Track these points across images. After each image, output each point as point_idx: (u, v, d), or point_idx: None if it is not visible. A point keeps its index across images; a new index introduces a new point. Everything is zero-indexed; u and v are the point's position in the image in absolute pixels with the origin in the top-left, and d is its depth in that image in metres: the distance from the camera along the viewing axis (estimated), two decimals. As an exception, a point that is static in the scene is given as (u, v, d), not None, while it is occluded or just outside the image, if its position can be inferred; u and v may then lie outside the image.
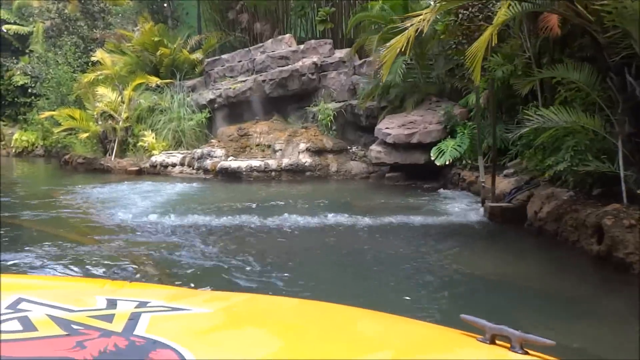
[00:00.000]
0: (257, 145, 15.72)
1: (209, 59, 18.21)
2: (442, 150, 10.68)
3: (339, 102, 16.06)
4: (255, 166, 14.38)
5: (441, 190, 11.44)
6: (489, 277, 5.68)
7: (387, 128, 12.83)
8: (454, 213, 8.84)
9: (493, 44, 8.02)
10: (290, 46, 17.17)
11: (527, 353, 1.21)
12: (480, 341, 1.27)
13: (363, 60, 16.67)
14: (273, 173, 14.39)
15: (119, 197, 11.51)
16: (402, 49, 7.54)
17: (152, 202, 10.60)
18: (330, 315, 1.53)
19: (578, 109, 6.57)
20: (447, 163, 10.55)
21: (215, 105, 16.86)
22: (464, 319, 1.33)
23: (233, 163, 14.52)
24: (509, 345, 1.23)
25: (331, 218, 8.53)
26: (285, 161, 14.47)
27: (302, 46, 16.98)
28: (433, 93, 13.79)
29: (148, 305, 1.34)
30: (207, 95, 17.12)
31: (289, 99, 16.38)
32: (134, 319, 1.19)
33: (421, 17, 6.91)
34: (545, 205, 6.95)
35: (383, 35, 13.21)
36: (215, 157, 15.13)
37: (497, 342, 1.26)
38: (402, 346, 1.31)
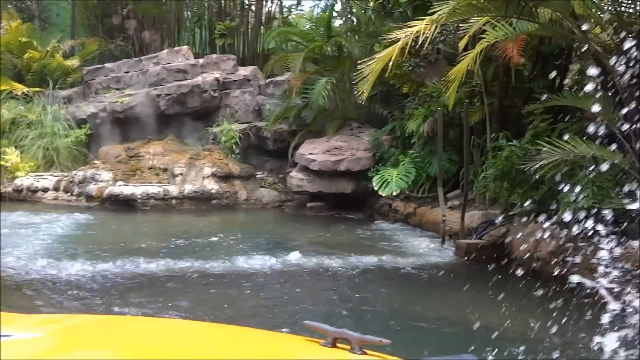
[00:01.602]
0: (150, 168, 13.71)
1: (89, 67, 15.81)
2: (386, 179, 9.75)
3: (243, 123, 14.65)
4: (152, 193, 12.42)
5: (376, 223, 10.50)
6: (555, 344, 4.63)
7: (310, 154, 11.68)
8: (418, 251, 7.88)
9: (472, 67, 7.29)
10: (188, 59, 15.45)
11: (365, 353, 1.25)
12: (323, 345, 1.31)
13: (270, 79, 15.44)
14: (174, 201, 12.54)
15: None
16: (388, 65, 6.50)
17: (37, 240, 8.38)
18: (172, 331, 1.51)
19: (578, 141, 5.93)
20: (393, 194, 9.63)
21: (98, 121, 14.54)
22: (306, 325, 1.37)
23: (125, 189, 12.42)
24: (349, 347, 1.27)
25: (286, 259, 7.14)
26: (189, 187, 12.69)
27: (202, 60, 15.38)
28: (353, 118, 12.93)
29: None
30: (88, 108, 14.75)
31: (186, 118, 14.61)
32: None
33: (417, 28, 5.90)
34: (542, 243, 6.20)
35: (308, 54, 12.16)
36: (101, 181, 12.88)
37: (338, 345, 1.30)
38: (246, 356, 1.32)
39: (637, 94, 5.65)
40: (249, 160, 14.43)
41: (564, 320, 4.81)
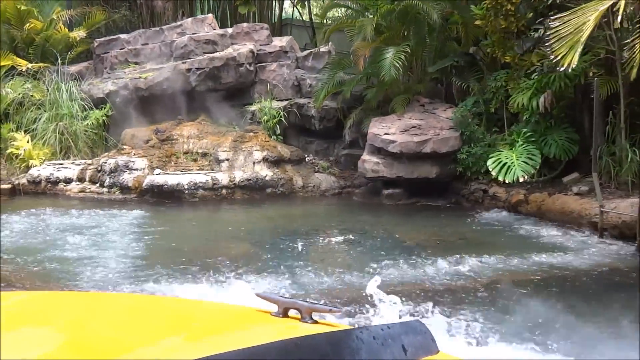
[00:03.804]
0: (186, 153, 12.08)
1: (100, 39, 13.87)
2: (505, 163, 8.52)
3: (281, 100, 13.12)
4: (201, 182, 10.84)
5: (477, 212, 9.30)
6: None
7: (386, 134, 10.33)
8: (588, 249, 6.71)
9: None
10: (215, 29, 13.72)
11: (316, 322, 1.27)
12: (274, 315, 1.31)
13: (308, 51, 13.94)
14: (224, 190, 11.00)
15: (50, 237, 7.45)
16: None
17: (121, 248, 6.82)
18: (120, 306, 1.47)
19: None
20: (520, 180, 8.41)
21: (118, 100, 12.71)
22: (257, 295, 1.37)
23: (170, 178, 10.80)
24: (300, 317, 1.27)
25: (446, 266, 5.90)
26: (239, 175, 11.16)
27: (230, 30, 13.67)
28: (421, 93, 11.61)
29: None
30: (105, 85, 12.89)
31: (218, 95, 12.93)
32: None
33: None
34: None
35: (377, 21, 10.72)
36: (136, 169, 11.20)
37: (289, 315, 1.31)
38: (197, 328, 1.31)
39: None
40: (288, 142, 12.94)
41: None
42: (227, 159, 11.55)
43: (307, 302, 1.29)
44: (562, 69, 5.43)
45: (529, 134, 8.77)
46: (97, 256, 6.40)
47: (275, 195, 11.22)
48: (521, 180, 8.31)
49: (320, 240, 7.47)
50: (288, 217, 9.48)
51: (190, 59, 12.83)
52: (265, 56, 13.40)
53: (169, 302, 1.67)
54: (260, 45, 13.49)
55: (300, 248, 6.82)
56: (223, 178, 11.04)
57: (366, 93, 11.86)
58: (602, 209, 7.10)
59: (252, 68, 13.03)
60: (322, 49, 13.56)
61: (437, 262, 6.24)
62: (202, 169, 11.54)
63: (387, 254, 6.81)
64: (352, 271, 5.96)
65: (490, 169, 8.58)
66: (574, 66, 5.32)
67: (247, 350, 0.99)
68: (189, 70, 12.62)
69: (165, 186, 10.67)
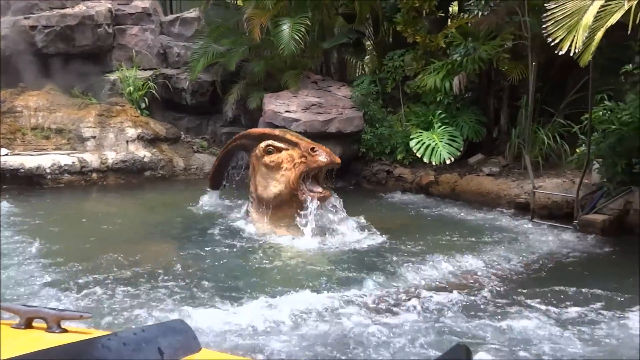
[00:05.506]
0: (34, 128, 9.96)
1: None
2: (428, 145, 8.30)
3: (145, 69, 11.55)
4: (66, 165, 9.00)
5: (388, 194, 9.04)
6: None
7: (287, 112, 9.57)
8: (523, 235, 6.75)
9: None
10: (61, -20, 11.47)
11: (65, 331, 1.17)
12: (15, 327, 1.19)
13: (175, 15, 12.43)
14: (95, 174, 9.31)
15: None
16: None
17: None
18: None
19: None
20: (447, 162, 8.24)
21: None
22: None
23: (26, 160, 8.78)
24: (46, 326, 1.18)
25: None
26: (112, 156, 9.51)
27: (81, -17, 11.55)
28: (311, 69, 11.00)
29: None
30: None
31: (70, 60, 10.86)
32: None
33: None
34: None
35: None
36: (-26, 149, 8.92)
37: (33, 325, 1.20)
38: None
39: None
40: (153, 118, 11.44)
41: None
42: (94, 137, 9.79)
43: (54, 309, 1.19)
44: (561, 52, 5.27)
45: (442, 115, 8.74)
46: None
47: (155, 179, 9.82)
48: (448, 162, 8.23)
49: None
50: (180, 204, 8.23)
51: (34, 14, 10.56)
52: (125, 18, 11.64)
53: None
54: (118, 4, 11.65)
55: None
56: (93, 160, 9.33)
57: (248, 66, 10.91)
58: (534, 190, 7.29)
59: (110, 30, 11.20)
60: (190, 14, 12.20)
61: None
62: (60, 149, 9.62)
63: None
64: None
65: (415, 151, 8.37)
66: (577, 50, 5.19)
67: None
68: (33, 27, 10.43)
69: (22, 170, 8.67)
